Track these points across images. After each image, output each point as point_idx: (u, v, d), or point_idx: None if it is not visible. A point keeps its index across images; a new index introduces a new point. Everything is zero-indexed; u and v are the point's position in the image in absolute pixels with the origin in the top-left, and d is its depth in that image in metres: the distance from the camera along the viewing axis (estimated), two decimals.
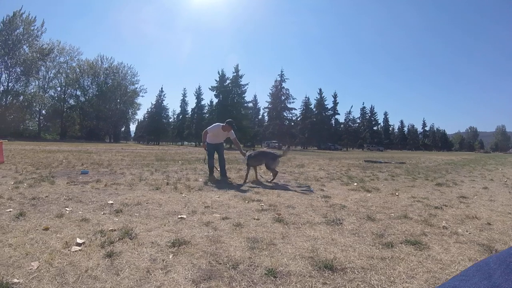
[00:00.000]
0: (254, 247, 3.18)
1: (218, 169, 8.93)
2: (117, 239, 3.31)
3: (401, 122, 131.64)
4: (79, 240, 3.22)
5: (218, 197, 5.95)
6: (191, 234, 3.54)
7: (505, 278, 0.55)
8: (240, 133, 65.55)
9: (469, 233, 3.95)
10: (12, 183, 6.96)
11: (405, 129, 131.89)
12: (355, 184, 8.27)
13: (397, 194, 6.85)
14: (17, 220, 3.99)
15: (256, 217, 4.39)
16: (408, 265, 2.84)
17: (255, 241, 3.35)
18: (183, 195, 6.04)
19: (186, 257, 2.88)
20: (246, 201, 5.57)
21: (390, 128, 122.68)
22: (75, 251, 2.97)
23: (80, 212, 4.46)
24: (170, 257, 2.88)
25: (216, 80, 70.16)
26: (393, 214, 4.85)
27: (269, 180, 8.52)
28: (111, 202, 5.16)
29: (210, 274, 2.56)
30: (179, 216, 4.32)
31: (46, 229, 3.62)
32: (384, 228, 4.07)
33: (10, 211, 4.46)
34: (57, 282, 2.37)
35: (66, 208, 4.65)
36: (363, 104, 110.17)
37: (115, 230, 3.62)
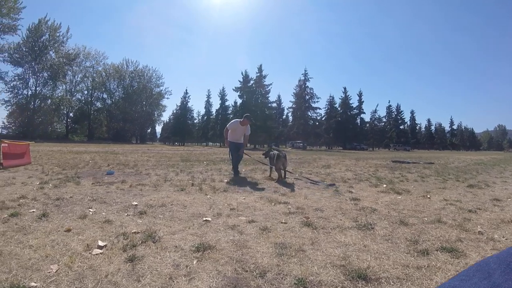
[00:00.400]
0: (282, 254, 3.00)
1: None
2: (140, 242, 3.19)
3: (428, 120, 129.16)
4: (100, 243, 3.12)
5: (244, 198, 5.80)
6: (216, 238, 3.39)
7: (505, 278, 0.55)
8: (264, 133, 65.56)
9: (506, 239, 3.72)
10: (37, 183, 6.99)
11: (432, 128, 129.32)
12: (384, 185, 7.99)
13: (428, 196, 6.56)
14: (40, 221, 3.94)
15: (283, 221, 4.21)
16: (445, 275, 2.64)
17: (283, 247, 3.17)
18: (208, 196, 5.92)
19: (211, 263, 2.73)
20: (273, 203, 5.40)
21: (417, 127, 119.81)
22: (96, 254, 2.88)
23: (103, 214, 4.39)
24: (194, 263, 2.74)
25: (239, 81, 70.55)
26: (426, 219, 4.60)
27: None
28: (135, 203, 5.08)
29: (236, 283, 2.40)
30: (204, 219, 4.18)
31: (68, 230, 3.56)
32: (418, 233, 3.83)
33: (33, 211, 4.43)
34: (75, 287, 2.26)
35: (90, 209, 4.59)
36: (389, 103, 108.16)
37: (138, 232, 3.51)
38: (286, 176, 8.92)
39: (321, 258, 2.93)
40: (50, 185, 6.77)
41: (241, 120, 9.54)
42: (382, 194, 6.71)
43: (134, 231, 3.54)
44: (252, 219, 4.23)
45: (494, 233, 3.93)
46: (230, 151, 9.78)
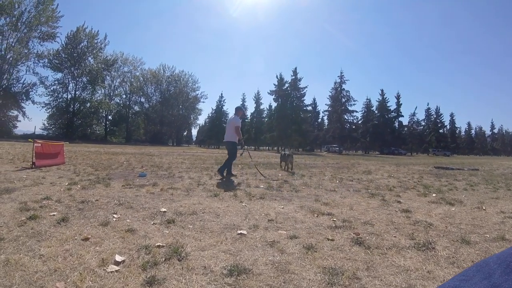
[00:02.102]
0: (334, 282, 2.44)
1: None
2: (163, 259, 2.73)
3: (468, 124, 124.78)
4: (118, 258, 2.69)
5: (282, 208, 5.26)
6: (253, 258, 2.87)
7: (505, 278, 0.54)
8: (300, 137, 65.13)
9: None
10: (66, 184, 6.79)
11: (472, 131, 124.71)
12: (434, 195, 7.32)
13: (483, 208, 5.91)
14: (58, 226, 3.62)
15: (330, 237, 3.63)
16: None
17: (333, 273, 2.61)
18: (243, 204, 5.42)
19: None
20: (315, 215, 4.81)
21: (457, 131, 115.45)
22: (111, 272, 2.45)
23: (127, 221, 3.98)
24: None
25: (274, 84, 70.11)
26: (487, 235, 4.00)
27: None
28: (164, 209, 4.65)
29: None
30: (239, 232, 3.66)
31: (86, 239, 3.18)
32: (484, 254, 3.28)
33: (54, 215, 4.13)
34: None
35: (114, 215, 4.21)
36: (427, 105, 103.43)
37: (163, 246, 3.06)
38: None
39: None
40: (79, 186, 6.53)
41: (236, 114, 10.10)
42: (433, 205, 6.06)
43: (158, 244, 3.09)
44: (293, 234, 3.67)
45: None
46: (234, 152, 9.83)
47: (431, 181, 10.47)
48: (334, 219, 4.53)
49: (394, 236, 3.82)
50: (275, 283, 2.38)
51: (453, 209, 5.76)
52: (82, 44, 73.52)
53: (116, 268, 2.50)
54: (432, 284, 2.50)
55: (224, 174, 9.35)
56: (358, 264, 2.86)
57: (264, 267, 2.69)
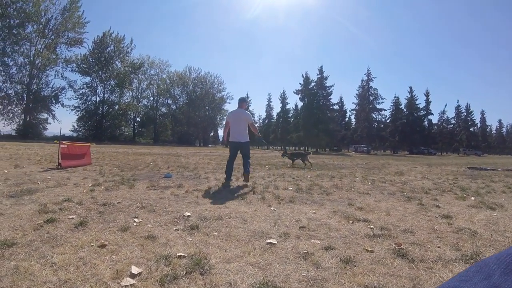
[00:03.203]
0: None
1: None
2: (184, 272, 2.45)
3: (499, 121, 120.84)
4: (134, 270, 2.44)
5: (314, 212, 4.92)
6: (284, 274, 2.54)
7: (504, 279, 0.53)
8: (327, 137, 64.70)
9: None
10: (90, 185, 6.67)
11: (504, 129, 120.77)
12: (473, 198, 6.90)
13: None
14: (75, 231, 3.44)
15: (368, 248, 3.26)
16: None
17: None
18: (271, 208, 5.12)
19: None
20: (350, 221, 4.44)
21: (488, 129, 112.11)
22: (125, 286, 2.20)
23: (149, 225, 3.75)
24: None
25: (300, 84, 69.67)
26: None
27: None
28: (187, 214, 4.41)
29: None
30: (268, 241, 3.33)
31: (103, 246, 2.97)
32: None
33: (72, 218, 3.96)
34: None
35: (135, 219, 3.99)
36: (457, 102, 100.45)
37: (184, 256, 2.79)
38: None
39: None
40: (102, 187, 6.40)
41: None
42: (474, 210, 5.66)
43: (179, 254, 2.82)
44: (328, 244, 3.32)
45: None
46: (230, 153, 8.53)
47: (466, 183, 10.02)
48: (371, 227, 4.16)
49: (438, 247, 3.44)
50: None
51: (495, 214, 5.37)
52: (109, 48, 75.64)
53: (132, 282, 2.26)
54: None
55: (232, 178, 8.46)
56: (404, 281, 2.51)
57: (298, 284, 2.37)
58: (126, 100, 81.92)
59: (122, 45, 77.53)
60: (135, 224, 3.79)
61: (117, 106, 79.05)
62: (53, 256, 2.67)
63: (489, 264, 0.58)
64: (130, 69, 79.50)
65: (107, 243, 3.03)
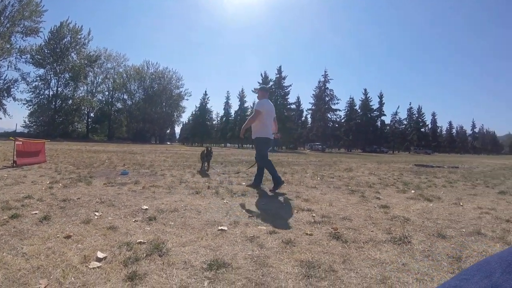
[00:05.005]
0: (310, 275, 2.52)
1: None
2: (144, 255, 2.77)
3: (450, 123, 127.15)
4: (100, 254, 2.72)
5: (264, 204, 5.35)
6: (233, 253, 2.94)
7: (506, 278, 0.54)
8: (284, 135, 65.59)
9: None
10: (47, 182, 6.74)
11: (453, 130, 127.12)
12: (413, 191, 7.51)
13: (461, 204, 6.08)
14: (40, 225, 3.62)
15: (308, 232, 3.72)
16: None
17: (310, 266, 2.69)
18: (224, 201, 5.47)
19: (225, 286, 2.26)
20: (296, 211, 4.92)
21: (438, 130, 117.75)
22: (93, 268, 2.49)
23: (109, 218, 4.00)
24: (205, 284, 2.28)
25: (259, 82, 70.50)
26: (464, 230, 4.13)
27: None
28: (145, 207, 4.68)
29: None
30: (219, 228, 3.72)
31: (68, 237, 3.19)
32: (459, 248, 3.38)
33: (35, 213, 4.12)
34: None
35: (96, 213, 4.22)
36: (410, 105, 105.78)
37: (144, 242, 3.10)
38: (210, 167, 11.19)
39: (356, 281, 2.46)
40: (60, 184, 6.49)
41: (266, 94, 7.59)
42: (411, 201, 6.22)
43: (139, 240, 3.13)
44: (273, 229, 3.76)
45: None
46: (261, 151, 7.28)
47: (410, 178, 10.68)
48: (314, 215, 4.63)
49: (372, 231, 3.93)
50: (253, 276, 2.46)
51: (431, 205, 5.91)
52: (65, 39, 72.50)
53: (98, 264, 2.54)
54: (407, 276, 2.60)
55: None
56: (335, 257, 2.95)
57: (243, 261, 2.76)
58: (80, 95, 79.11)
59: (79, 36, 74.56)
60: (96, 217, 4.02)
61: (70, 101, 76.12)
62: (23, 248, 2.86)
63: (490, 263, 0.60)
64: (86, 62, 76.50)
65: (72, 234, 3.25)
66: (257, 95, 7.75)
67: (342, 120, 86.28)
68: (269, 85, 68.26)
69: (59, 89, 74.16)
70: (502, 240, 3.71)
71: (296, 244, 3.26)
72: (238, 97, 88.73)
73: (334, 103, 79.51)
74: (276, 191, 6.75)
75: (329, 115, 79.68)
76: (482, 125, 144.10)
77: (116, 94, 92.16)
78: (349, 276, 2.54)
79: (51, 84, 72.87)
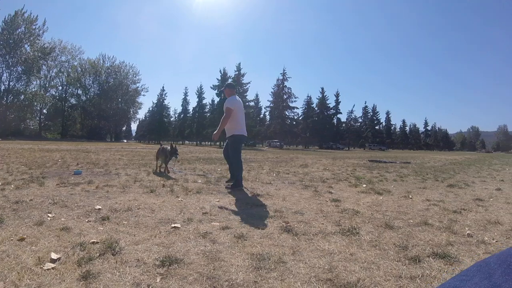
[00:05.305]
0: (260, 267, 2.66)
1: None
2: (98, 254, 2.82)
3: (403, 121, 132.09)
4: (53, 256, 2.73)
5: (218, 201, 5.45)
6: (185, 249, 3.03)
7: (505, 278, 0.54)
8: None
9: (496, 241, 3.58)
10: None
11: (407, 128, 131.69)
12: (364, 185, 7.85)
13: (410, 196, 6.43)
14: None
15: (260, 226, 3.88)
16: None
17: (261, 258, 2.83)
18: (179, 199, 5.52)
19: (177, 281, 2.36)
20: (249, 206, 5.06)
21: (392, 128, 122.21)
22: (48, 269, 2.50)
23: (62, 219, 3.98)
24: (158, 280, 2.37)
25: (217, 79, 70.13)
26: (411, 221, 4.40)
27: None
28: (98, 207, 4.66)
29: None
30: (173, 225, 3.79)
31: (22, 239, 3.17)
32: (406, 238, 3.60)
33: None
34: None
35: (49, 214, 4.17)
36: (365, 103, 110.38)
37: (97, 242, 3.13)
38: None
39: (304, 271, 2.62)
40: (12, 186, 6.31)
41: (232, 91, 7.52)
42: (362, 195, 6.53)
43: (93, 240, 3.16)
44: (226, 225, 3.88)
45: (483, 235, 3.81)
46: (237, 150, 7.26)
47: (363, 173, 11.11)
48: (267, 210, 4.80)
49: (322, 223, 4.13)
50: (204, 270, 2.56)
51: (381, 198, 6.21)
52: (19, 30, 68.99)
53: (53, 265, 2.56)
54: (354, 264, 2.77)
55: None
56: (285, 249, 3.10)
57: (196, 256, 2.86)
58: (33, 89, 75.47)
59: (34, 27, 70.78)
60: (49, 218, 3.99)
61: (22, 96, 72.27)
62: None
63: (489, 264, 0.60)
64: (39, 54, 72.80)
65: (25, 236, 3.24)
66: (223, 94, 7.77)
67: (300, 118, 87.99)
68: (229, 82, 68.01)
69: (11, 83, 70.77)
70: (449, 229, 3.97)
71: (248, 239, 3.39)
72: (196, 94, 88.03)
73: (292, 101, 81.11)
74: (231, 189, 6.84)
75: (287, 112, 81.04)
76: (435, 123, 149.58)
77: (70, 89, 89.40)
78: (298, 267, 2.69)
79: (2, 78, 69.80)
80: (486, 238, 3.65)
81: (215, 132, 7.09)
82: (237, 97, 7.32)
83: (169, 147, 9.44)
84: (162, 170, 9.54)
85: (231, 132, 7.11)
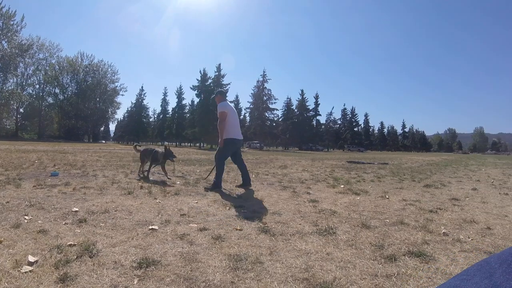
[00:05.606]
0: (237, 267, 2.71)
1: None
2: (75, 257, 2.82)
3: (381, 123, 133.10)
4: (31, 258, 2.73)
5: (196, 202, 5.47)
6: (162, 251, 3.05)
7: (506, 278, 0.53)
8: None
9: (471, 240, 3.69)
10: None
11: (385, 130, 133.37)
12: (342, 186, 7.97)
13: (387, 197, 6.58)
14: None
15: (238, 227, 3.92)
16: (417, 283, 2.49)
17: (238, 259, 2.88)
18: (157, 200, 5.52)
19: (154, 283, 2.40)
20: (227, 207, 5.11)
21: (371, 129, 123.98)
22: (25, 272, 2.50)
23: (39, 222, 3.95)
24: (135, 282, 2.40)
25: (197, 80, 69.67)
26: (388, 220, 4.52)
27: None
28: (75, 209, 4.63)
29: None
30: (150, 227, 3.80)
31: None
32: (382, 237, 3.70)
33: None
34: None
35: (25, 217, 4.13)
36: (344, 106, 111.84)
37: (74, 245, 3.12)
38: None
39: (281, 270, 2.68)
40: None
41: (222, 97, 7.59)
42: (340, 195, 6.65)
43: (70, 243, 3.15)
44: (204, 227, 3.91)
45: (459, 233, 3.92)
46: (222, 152, 7.32)
47: (341, 174, 11.25)
48: (245, 211, 4.86)
49: (299, 224, 4.21)
50: (182, 272, 2.60)
51: (358, 198, 6.34)
52: None
53: (30, 268, 2.56)
54: (330, 264, 2.84)
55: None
56: (262, 250, 3.16)
57: (173, 258, 2.89)
58: (9, 88, 73.26)
59: (11, 22, 68.26)
60: (26, 221, 3.95)
61: None
62: None
63: (490, 263, 0.60)
64: (17, 51, 70.69)
65: (2, 239, 3.21)
66: (216, 100, 7.67)
67: (280, 119, 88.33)
68: (208, 83, 67.78)
69: None
70: (424, 228, 4.09)
71: (225, 240, 3.44)
72: (176, 94, 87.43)
73: (272, 103, 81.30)
74: (209, 190, 6.86)
75: (267, 114, 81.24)
76: (412, 125, 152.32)
77: (48, 88, 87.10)
78: (274, 267, 2.75)
79: None
80: (462, 237, 3.76)
81: (219, 141, 7.26)
82: (228, 102, 7.44)
83: (161, 150, 8.56)
84: (145, 174, 8.62)
85: (227, 135, 7.20)
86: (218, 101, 7.48)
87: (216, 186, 6.96)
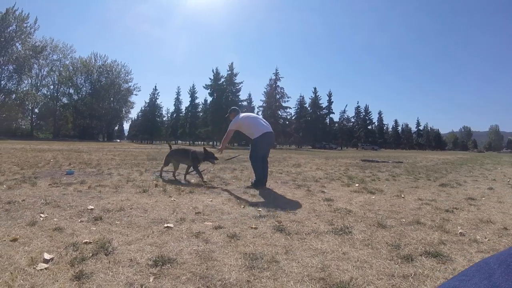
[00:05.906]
0: (253, 266, 2.68)
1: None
2: (91, 254, 2.82)
3: (395, 121, 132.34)
4: (46, 256, 2.73)
5: (211, 201, 5.46)
6: (178, 249, 3.04)
7: (505, 278, 0.53)
8: (235, 132, 65.84)
9: (488, 240, 3.59)
10: None
11: (399, 128, 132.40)
12: (357, 185, 7.88)
13: (402, 196, 6.47)
14: None
15: (253, 226, 3.89)
16: (435, 284, 2.42)
17: (253, 258, 2.85)
18: (172, 198, 5.52)
19: (170, 281, 2.38)
20: (242, 206, 5.08)
21: (384, 127, 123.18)
22: (41, 269, 2.50)
23: (55, 220, 3.96)
24: (151, 280, 2.38)
25: (210, 79, 70.05)
26: (404, 220, 4.43)
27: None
28: (91, 207, 4.65)
29: None
30: (166, 225, 3.79)
31: (14, 240, 3.16)
32: (398, 237, 3.63)
33: None
34: None
35: (41, 215, 4.15)
36: (357, 103, 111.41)
37: (90, 242, 3.13)
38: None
39: (297, 270, 2.64)
40: (4, 186, 6.26)
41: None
42: (355, 194, 6.57)
43: (85, 241, 3.15)
44: (219, 225, 3.89)
45: (475, 234, 3.83)
46: (252, 152, 7.45)
47: (356, 173, 11.14)
48: (260, 209, 4.81)
49: (315, 223, 4.15)
50: (197, 270, 2.58)
51: (373, 197, 6.25)
52: (10, 28, 67.60)
53: (46, 265, 2.56)
54: (346, 263, 2.79)
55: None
56: (278, 249, 3.12)
57: (188, 256, 2.87)
58: (24, 88, 74.34)
59: (25, 25, 69.50)
60: (41, 219, 3.97)
61: (14, 95, 71.40)
62: None
63: (489, 264, 0.60)
64: (31, 53, 71.85)
65: (18, 237, 3.22)
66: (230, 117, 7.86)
67: (293, 118, 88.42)
68: (221, 81, 67.95)
69: (2, 82, 69.52)
70: (441, 228, 4.01)
71: (240, 238, 3.41)
72: (189, 93, 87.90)
73: (285, 101, 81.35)
74: (251, 187, 7.04)
75: (279, 112, 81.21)
76: (427, 123, 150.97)
77: (62, 88, 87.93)
78: (290, 266, 2.71)
79: None
80: (478, 237, 3.68)
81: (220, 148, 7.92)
82: (240, 115, 7.63)
83: (200, 150, 7.94)
84: (176, 176, 8.28)
85: (254, 135, 7.34)
86: (231, 118, 7.71)
87: (257, 184, 7.12)
